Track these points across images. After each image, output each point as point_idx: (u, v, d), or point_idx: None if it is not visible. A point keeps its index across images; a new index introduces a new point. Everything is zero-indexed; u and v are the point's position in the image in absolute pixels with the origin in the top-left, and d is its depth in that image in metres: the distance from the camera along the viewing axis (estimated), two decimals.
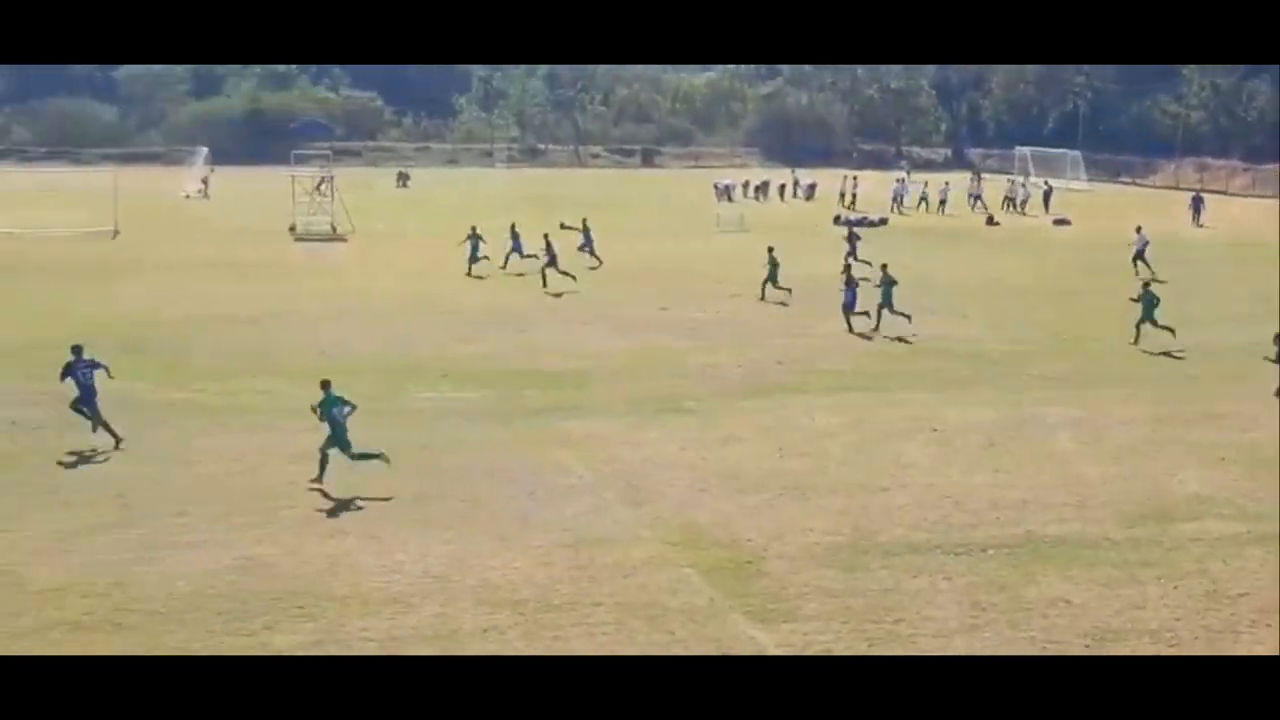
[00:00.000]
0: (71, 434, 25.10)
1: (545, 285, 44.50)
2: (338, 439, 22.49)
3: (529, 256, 46.82)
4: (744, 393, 29.90)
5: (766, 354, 33.83)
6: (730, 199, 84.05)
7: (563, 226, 60.33)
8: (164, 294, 43.01)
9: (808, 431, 26.41)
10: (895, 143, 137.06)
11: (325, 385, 22.82)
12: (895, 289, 37.32)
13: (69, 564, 18.62)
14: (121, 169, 75.80)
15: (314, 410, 22.70)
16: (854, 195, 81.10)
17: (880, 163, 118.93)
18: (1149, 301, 35.38)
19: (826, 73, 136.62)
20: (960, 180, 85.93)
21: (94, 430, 24.36)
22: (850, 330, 37.08)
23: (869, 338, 36.50)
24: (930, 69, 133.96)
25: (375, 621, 16.73)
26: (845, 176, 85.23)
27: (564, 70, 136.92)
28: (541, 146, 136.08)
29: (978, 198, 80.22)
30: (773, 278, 42.72)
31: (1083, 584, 18.19)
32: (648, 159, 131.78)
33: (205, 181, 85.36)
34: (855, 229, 53.96)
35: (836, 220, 70.44)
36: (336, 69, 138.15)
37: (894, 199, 79.40)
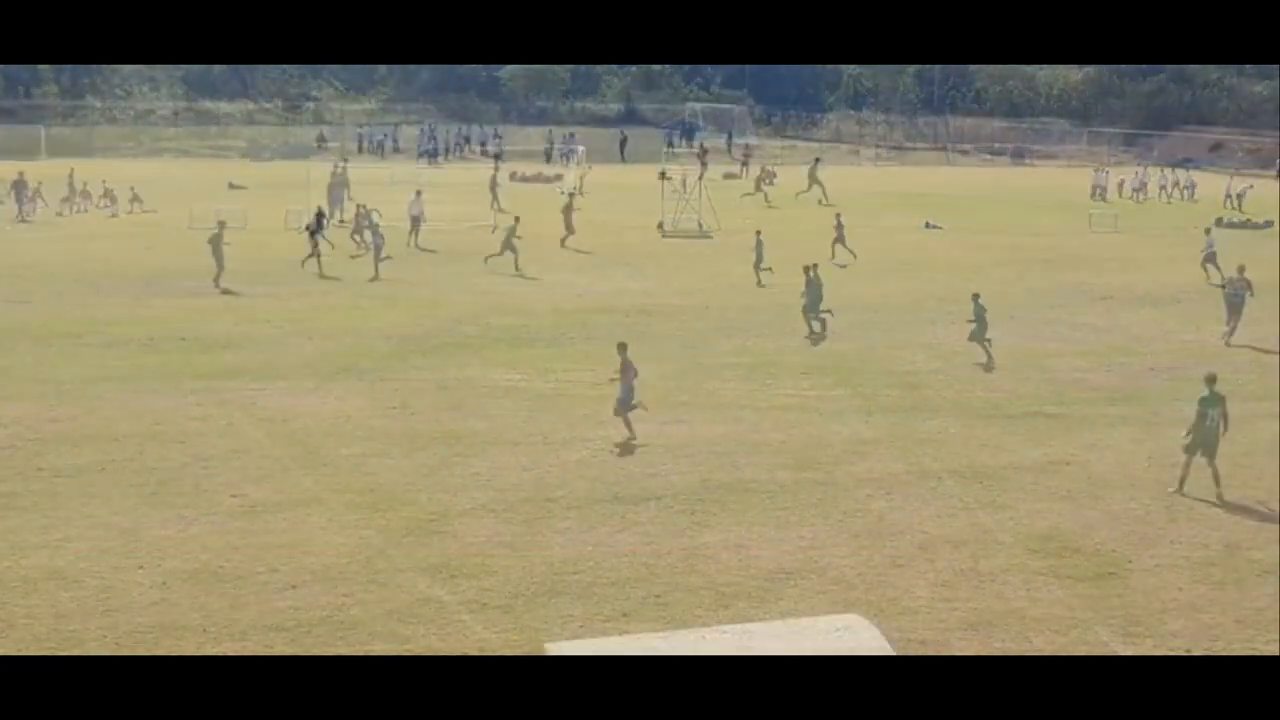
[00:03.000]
0: (452, 419, 26.34)
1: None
2: None
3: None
4: (1111, 399, 28.98)
5: (1138, 360, 32.67)
6: (1104, 198, 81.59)
7: (928, 226, 59.84)
8: (538, 286, 44.42)
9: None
10: None
11: None
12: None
13: (442, 546, 19.54)
14: (504, 164, 78.79)
15: None
16: (1240, 196, 77.44)
17: (1268, 164, 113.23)
18: None
19: (1211, 70, 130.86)
20: None
21: None
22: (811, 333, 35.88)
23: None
24: None
25: (727, 615, 17.00)
26: (1230, 176, 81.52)
27: (935, 68, 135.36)
28: (910, 144, 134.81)
29: None
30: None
31: None
32: (1018, 156, 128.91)
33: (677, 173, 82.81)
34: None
35: (1219, 223, 67.53)
36: (708, 69, 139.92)
37: None
